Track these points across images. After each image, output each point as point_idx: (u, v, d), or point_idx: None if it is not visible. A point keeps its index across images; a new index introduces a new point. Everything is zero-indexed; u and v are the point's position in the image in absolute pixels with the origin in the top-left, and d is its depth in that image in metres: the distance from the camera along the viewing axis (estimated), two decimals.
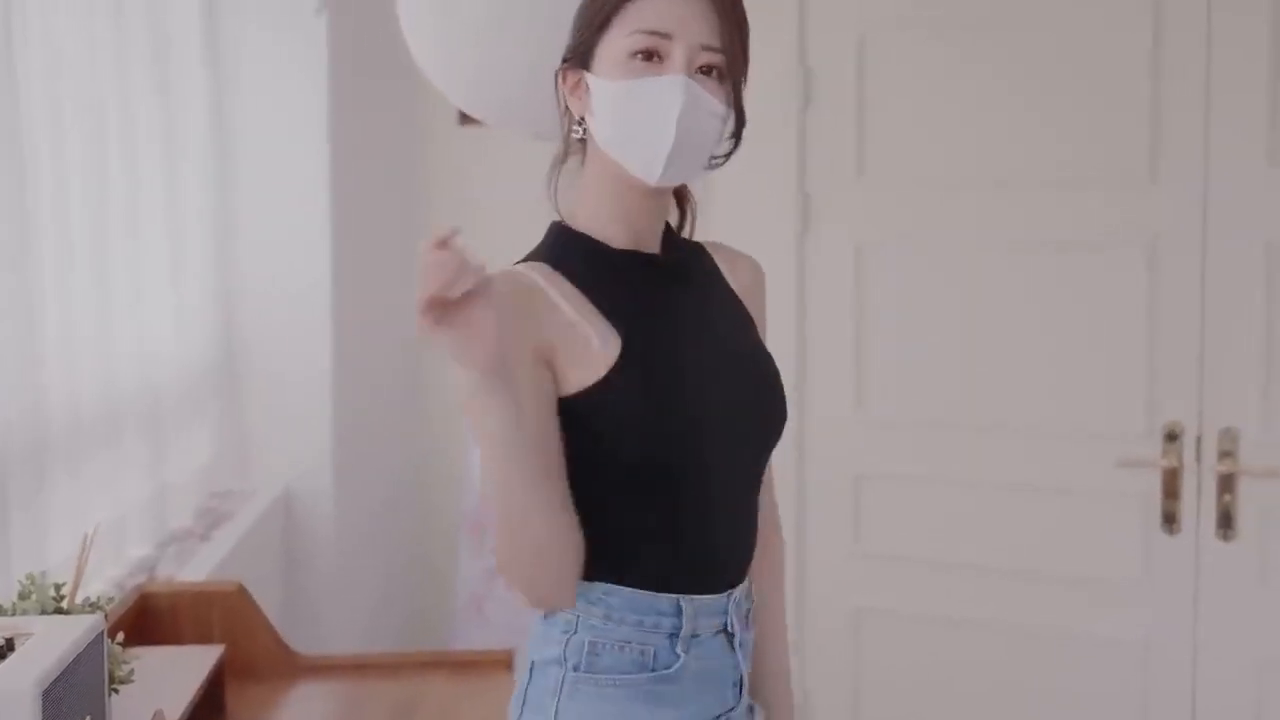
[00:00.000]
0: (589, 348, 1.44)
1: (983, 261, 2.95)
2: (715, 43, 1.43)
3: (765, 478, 1.64)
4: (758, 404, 1.56)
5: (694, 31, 1.42)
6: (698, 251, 1.63)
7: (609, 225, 1.51)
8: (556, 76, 1.53)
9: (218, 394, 3.02)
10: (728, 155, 1.55)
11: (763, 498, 1.63)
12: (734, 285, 1.63)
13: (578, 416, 1.43)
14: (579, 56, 1.50)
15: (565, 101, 1.54)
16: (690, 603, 1.48)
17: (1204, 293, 2.76)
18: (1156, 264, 2.80)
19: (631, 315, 1.48)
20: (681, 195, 1.64)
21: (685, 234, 1.63)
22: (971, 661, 3.02)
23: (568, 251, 1.52)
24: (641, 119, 1.43)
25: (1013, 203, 2.92)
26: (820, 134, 3.01)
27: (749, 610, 1.58)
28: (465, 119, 3.33)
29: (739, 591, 1.54)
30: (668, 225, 1.59)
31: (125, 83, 2.49)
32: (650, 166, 1.44)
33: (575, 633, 1.46)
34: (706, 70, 1.44)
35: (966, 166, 2.97)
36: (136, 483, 2.55)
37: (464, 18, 1.81)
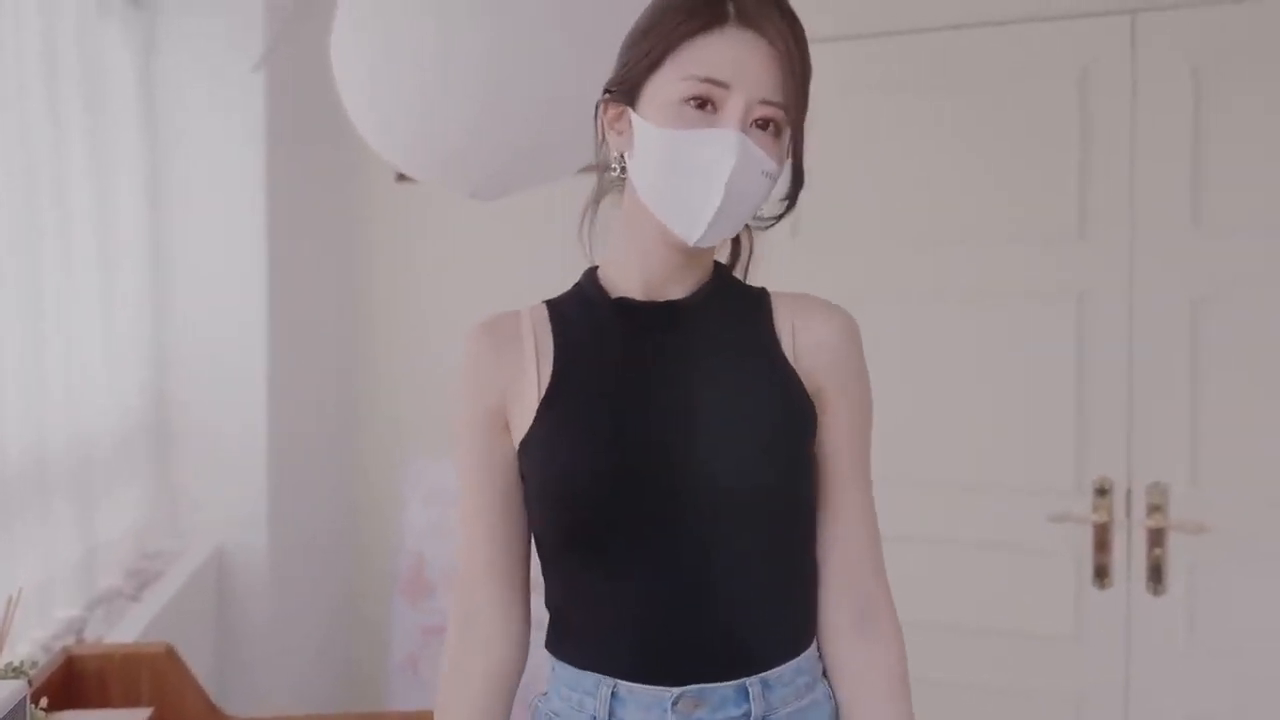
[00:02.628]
0: (532, 391, 1.40)
1: (914, 317, 2.99)
2: (776, 97, 1.32)
3: (845, 559, 1.45)
4: (721, 469, 1.35)
5: (754, 83, 1.31)
6: (741, 297, 1.48)
7: (630, 270, 1.43)
8: (597, 107, 1.43)
9: (150, 450, 2.98)
10: (779, 217, 1.46)
11: (832, 581, 1.45)
12: (791, 340, 1.44)
13: (521, 465, 1.42)
14: (625, 91, 1.38)
15: (604, 134, 1.43)
16: (610, 686, 1.36)
17: (1131, 348, 2.81)
18: (1085, 320, 2.85)
19: (575, 359, 1.41)
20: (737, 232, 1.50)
21: (739, 275, 1.53)
22: None
23: (572, 294, 1.48)
24: (687, 174, 1.32)
25: (943, 259, 2.97)
26: None
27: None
28: (402, 176, 3.34)
29: (721, 695, 1.36)
30: (722, 268, 1.49)
31: (60, 136, 2.48)
32: (691, 228, 1.34)
33: (542, 695, 1.47)
34: (762, 124, 1.32)
35: (898, 225, 3.01)
36: (65, 541, 2.51)
37: (400, 81, 1.81)
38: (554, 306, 1.47)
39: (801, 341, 1.44)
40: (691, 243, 1.34)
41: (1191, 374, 2.76)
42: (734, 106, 1.30)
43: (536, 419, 1.38)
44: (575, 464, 1.36)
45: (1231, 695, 2.76)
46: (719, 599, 1.36)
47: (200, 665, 2.63)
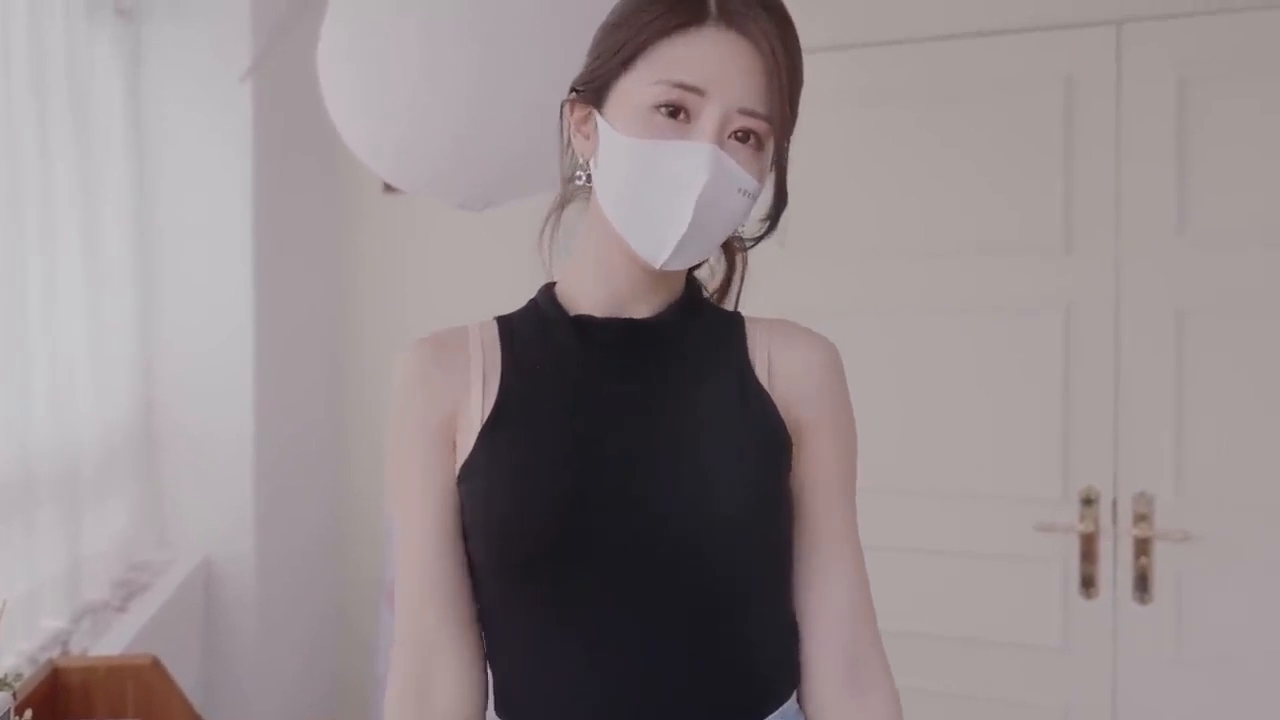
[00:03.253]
0: (475, 414, 1.26)
1: (901, 329, 3.00)
2: (758, 107, 1.18)
3: (830, 608, 1.32)
4: (687, 504, 1.20)
5: (733, 90, 1.17)
6: (714, 320, 1.35)
7: (592, 286, 1.29)
8: (562, 108, 1.30)
9: (136, 461, 2.98)
10: (758, 239, 1.33)
11: (817, 631, 1.32)
12: (766, 367, 1.31)
13: (461, 496, 1.28)
14: (592, 91, 1.25)
15: (569, 137, 1.30)
16: None
17: (1117, 359, 2.82)
18: (1071, 331, 2.86)
19: (524, 379, 1.28)
20: (730, 250, 1.39)
21: (729, 299, 1.39)
22: None
23: (526, 310, 1.35)
24: (654, 190, 1.18)
25: (931, 272, 2.98)
26: None
27: None
28: (389, 187, 3.34)
29: None
30: (694, 287, 1.35)
31: (46, 146, 2.48)
32: (657, 249, 1.20)
33: None
34: (742, 136, 1.19)
35: (886, 237, 3.02)
36: (51, 552, 2.51)
37: (388, 92, 1.81)
38: (505, 323, 1.33)
39: (778, 369, 1.31)
40: (657, 265, 1.21)
41: (1177, 384, 2.77)
42: (710, 116, 1.17)
43: (478, 444, 1.24)
44: (519, 495, 1.21)
45: (1218, 704, 2.76)
46: (684, 649, 1.22)
47: (186, 677, 2.62)
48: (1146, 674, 2.82)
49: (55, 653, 2.36)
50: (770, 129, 1.20)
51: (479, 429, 1.25)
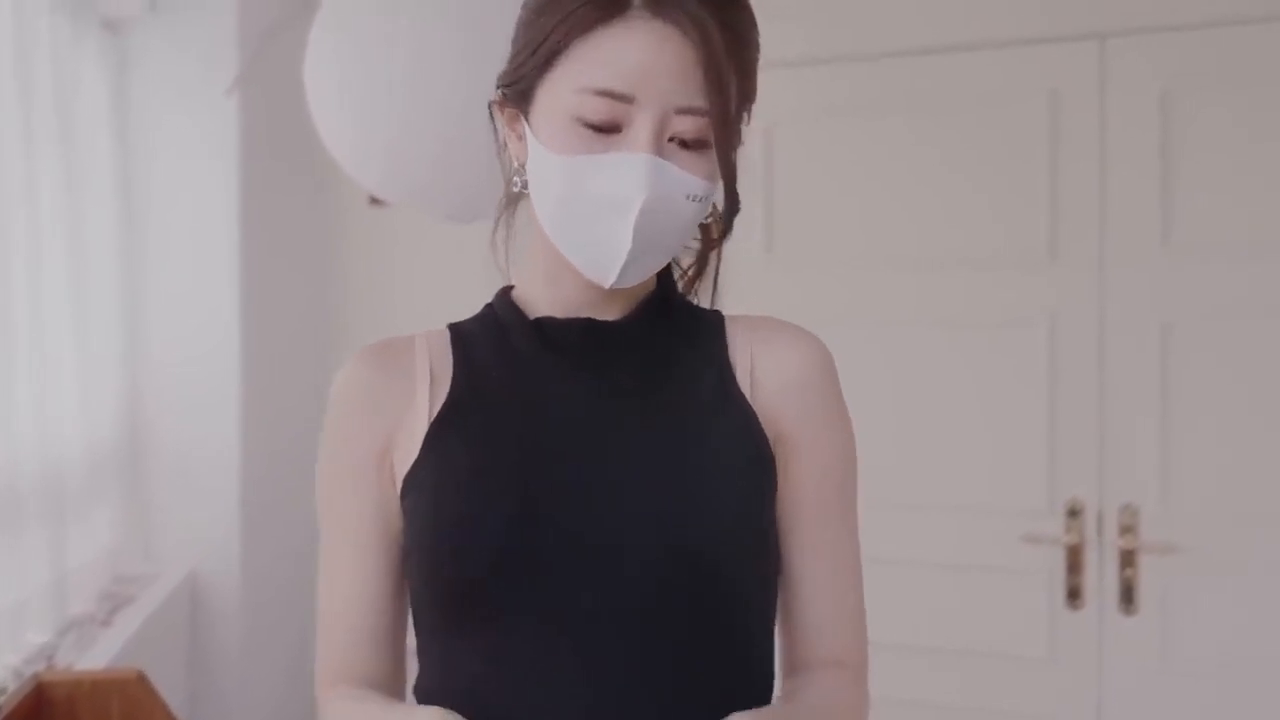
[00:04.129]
0: (420, 424, 1.14)
1: (886, 339, 3.01)
2: (697, 102, 1.03)
3: (818, 647, 1.19)
4: (655, 527, 1.07)
5: (667, 90, 1.03)
6: (690, 320, 1.22)
7: (549, 289, 1.17)
8: (491, 108, 1.17)
9: (122, 475, 2.97)
10: (709, 245, 1.21)
11: (801, 655, 1.20)
12: (749, 373, 1.18)
13: (402, 511, 1.16)
14: (516, 93, 1.11)
15: (504, 136, 1.17)
16: None
17: (1102, 371, 2.83)
18: (1056, 343, 2.87)
19: (476, 386, 1.16)
20: (705, 233, 1.21)
21: (704, 294, 1.25)
22: None
23: (481, 315, 1.23)
24: (589, 211, 1.05)
25: (915, 281, 2.98)
26: None
27: None
28: (375, 199, 3.34)
29: None
30: (668, 283, 1.22)
31: (32, 157, 2.47)
32: (602, 272, 1.08)
33: None
34: (687, 142, 1.05)
35: (871, 247, 3.02)
36: (36, 566, 2.50)
37: (374, 104, 1.81)
38: (458, 329, 1.22)
39: (762, 375, 1.17)
40: (607, 286, 1.09)
41: (1162, 395, 2.78)
42: (643, 123, 1.03)
43: (422, 453, 1.12)
44: (465, 509, 1.08)
45: (1204, 715, 2.77)
46: (646, 691, 1.07)
47: (172, 691, 2.61)
48: (1132, 685, 2.82)
49: (40, 667, 2.34)
50: (713, 124, 1.05)
51: (424, 435, 1.13)
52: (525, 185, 1.14)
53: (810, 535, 1.19)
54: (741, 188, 1.11)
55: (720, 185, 1.09)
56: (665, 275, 1.21)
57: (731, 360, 1.18)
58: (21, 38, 2.43)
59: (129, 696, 2.19)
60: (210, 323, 3.06)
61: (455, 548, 1.08)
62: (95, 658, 2.48)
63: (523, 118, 1.11)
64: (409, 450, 1.13)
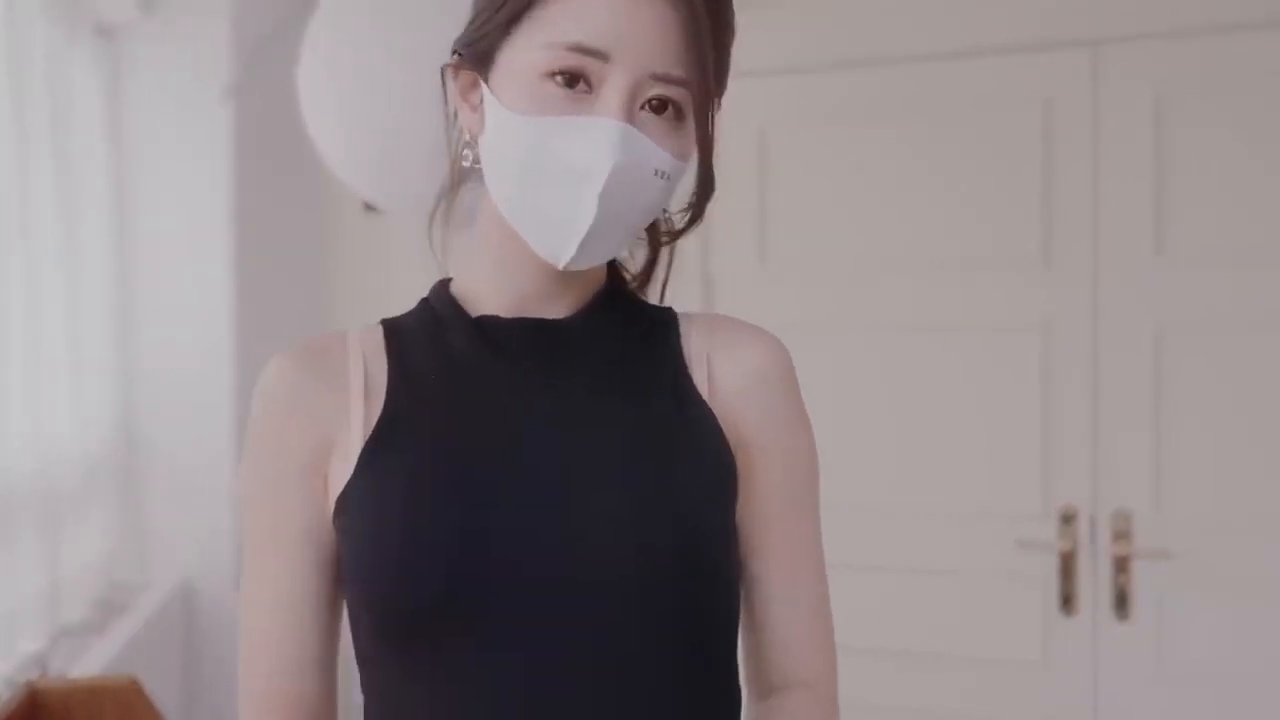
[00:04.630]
0: (356, 434, 1.05)
1: (880, 345, 3.01)
2: (675, 70, 0.97)
3: (786, 665, 1.12)
4: (612, 542, 0.99)
5: (645, 52, 0.96)
6: (641, 319, 1.14)
7: (494, 283, 1.09)
8: (443, 73, 1.08)
9: (115, 482, 2.96)
10: (679, 233, 1.11)
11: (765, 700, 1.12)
12: (706, 373, 1.10)
13: (338, 529, 1.06)
14: (476, 55, 1.03)
15: (455, 107, 1.08)
16: None
17: (1096, 378, 2.83)
18: (1050, 350, 2.87)
19: (415, 393, 1.06)
20: (653, 232, 1.14)
21: (653, 291, 1.18)
22: None
23: (417, 312, 1.14)
24: (551, 178, 0.98)
25: (909, 288, 2.99)
26: (722, 220, 3.05)
27: None
28: (369, 206, 3.34)
29: None
30: (617, 279, 1.15)
31: (25, 165, 2.47)
32: (558, 247, 1.00)
33: None
34: (658, 106, 0.98)
35: (864, 253, 3.03)
36: (29, 573, 2.49)
37: (368, 111, 1.81)
38: (392, 327, 1.12)
39: (721, 377, 1.10)
40: (560, 265, 1.01)
41: (1155, 402, 2.78)
42: (615, 85, 0.96)
43: (359, 468, 1.03)
44: (407, 527, 0.99)
45: None
46: (611, 708, 1.00)
47: (166, 698, 2.60)
48: (1126, 691, 2.83)
49: (34, 674, 2.34)
50: (692, 95, 0.99)
51: (359, 452, 1.04)
52: (476, 160, 1.06)
53: (776, 547, 1.12)
54: (725, 187, 1.06)
55: (685, 166, 1.02)
56: (614, 270, 1.15)
57: (688, 360, 1.10)
58: (14, 44, 2.43)
59: (123, 704, 2.18)
60: (204, 330, 3.05)
61: (398, 574, 0.99)
62: (89, 665, 2.48)
63: (482, 82, 1.03)
64: (344, 464, 1.04)
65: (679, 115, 0.99)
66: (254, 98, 3.07)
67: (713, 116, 1.01)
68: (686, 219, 1.08)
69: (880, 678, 2.99)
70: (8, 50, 2.40)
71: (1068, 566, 2.84)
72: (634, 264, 1.18)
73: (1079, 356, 2.85)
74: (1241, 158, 2.73)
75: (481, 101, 1.03)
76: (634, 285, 1.17)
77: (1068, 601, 2.84)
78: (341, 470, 1.04)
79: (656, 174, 0.98)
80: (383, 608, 1.00)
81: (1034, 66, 2.89)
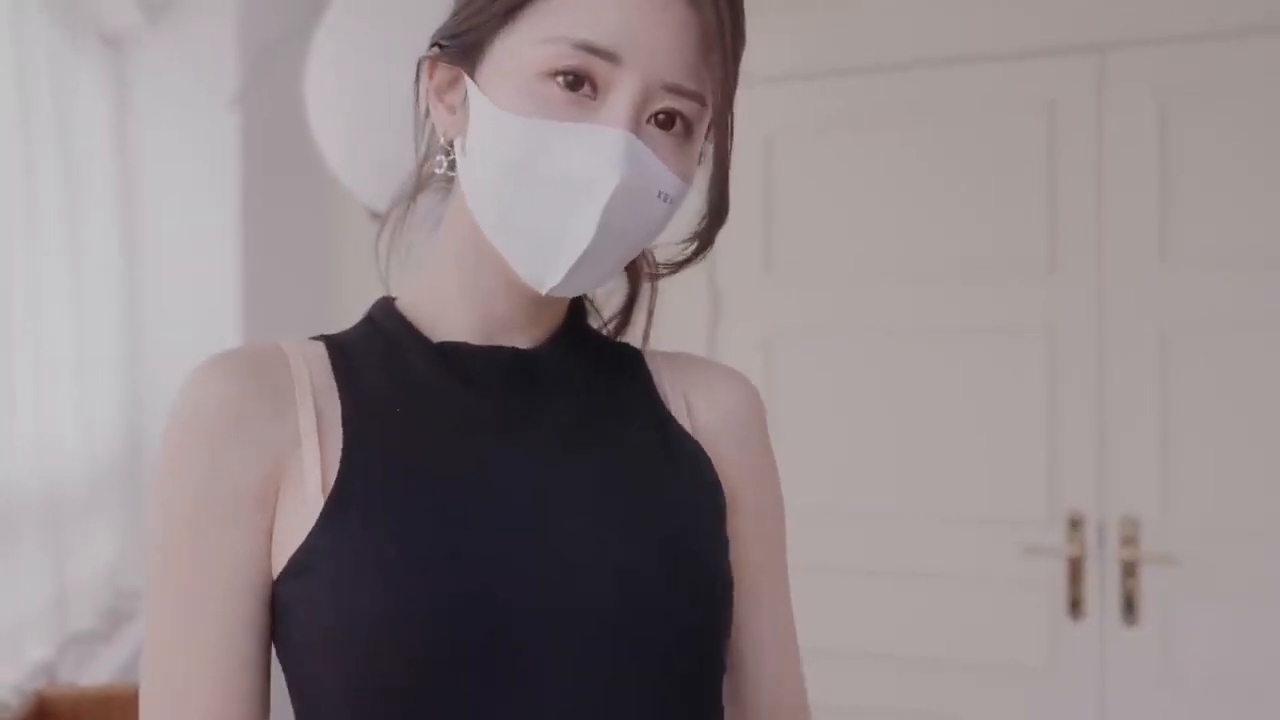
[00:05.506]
0: (311, 476, 0.89)
1: (886, 352, 3.01)
2: (689, 82, 0.87)
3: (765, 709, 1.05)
4: (616, 598, 0.90)
5: (658, 59, 0.85)
6: (608, 354, 1.05)
7: (456, 306, 0.97)
8: (420, 66, 0.97)
9: (123, 489, 2.96)
10: (682, 264, 1.00)
11: None
12: (687, 415, 1.03)
13: (287, 594, 0.90)
14: (462, 48, 0.92)
15: (427, 105, 0.97)
16: None
17: (1101, 383, 2.83)
18: (1055, 355, 2.87)
19: (376, 431, 0.92)
20: (634, 269, 1.07)
21: (634, 334, 1.09)
22: None
23: (362, 332, 1.01)
24: (545, 190, 0.86)
25: (915, 295, 2.99)
26: (729, 230, 3.05)
27: None
28: (375, 215, 3.34)
29: None
30: (578, 312, 1.04)
31: (31, 175, 2.47)
32: (543, 271, 0.89)
33: None
34: (665, 121, 0.88)
35: (870, 260, 3.03)
36: (36, 581, 2.49)
37: (375, 118, 1.82)
38: (337, 348, 0.99)
39: (700, 418, 1.02)
40: (543, 291, 0.90)
41: (1161, 407, 2.78)
42: (625, 92, 0.85)
43: (321, 525, 0.87)
44: (392, 600, 0.85)
45: None
46: None
47: None
48: (1134, 697, 2.82)
49: (41, 683, 2.34)
50: (704, 111, 0.89)
51: (315, 500, 0.89)
52: (452, 165, 0.95)
53: (757, 588, 1.05)
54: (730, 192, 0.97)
55: (688, 191, 0.92)
56: (575, 301, 1.04)
57: (663, 395, 1.03)
58: (20, 52, 2.43)
59: (132, 712, 2.16)
60: (211, 337, 3.05)
61: (382, 646, 0.86)
62: (97, 673, 2.48)
63: (466, 77, 0.91)
64: (296, 508, 0.89)
65: (687, 132, 0.90)
66: (260, 104, 3.07)
67: (731, 134, 0.92)
68: (694, 248, 0.98)
69: (889, 683, 2.99)
70: (14, 59, 2.40)
71: (1075, 572, 2.84)
72: (609, 303, 1.09)
73: (1084, 361, 2.85)
74: (1245, 162, 2.73)
75: (464, 100, 0.92)
76: (609, 327, 1.08)
77: (1075, 606, 2.84)
78: (293, 516, 0.89)
79: (660, 196, 0.88)
80: (350, 689, 0.88)
81: (1038, 71, 2.89)
